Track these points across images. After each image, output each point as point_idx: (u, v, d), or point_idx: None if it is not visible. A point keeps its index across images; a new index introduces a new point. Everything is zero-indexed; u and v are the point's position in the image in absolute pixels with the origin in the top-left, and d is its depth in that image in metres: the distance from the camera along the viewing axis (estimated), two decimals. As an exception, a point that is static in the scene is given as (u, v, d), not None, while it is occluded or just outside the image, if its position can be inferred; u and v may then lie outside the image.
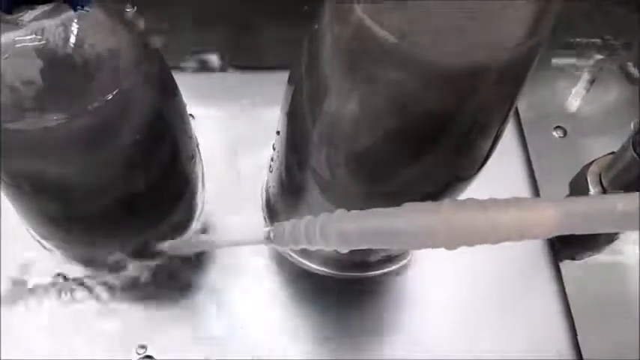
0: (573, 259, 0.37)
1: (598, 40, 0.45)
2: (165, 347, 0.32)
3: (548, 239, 0.37)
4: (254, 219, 0.35)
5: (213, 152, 0.36)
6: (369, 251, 0.31)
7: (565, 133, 0.42)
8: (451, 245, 0.17)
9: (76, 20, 0.19)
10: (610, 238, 0.37)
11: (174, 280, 0.34)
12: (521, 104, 0.41)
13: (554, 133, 0.42)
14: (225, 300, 0.34)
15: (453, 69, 0.17)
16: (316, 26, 0.19)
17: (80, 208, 0.25)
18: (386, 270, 0.32)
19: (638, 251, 0.38)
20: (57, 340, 0.32)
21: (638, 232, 0.38)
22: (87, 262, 0.33)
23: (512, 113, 0.21)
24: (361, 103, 0.19)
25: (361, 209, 0.22)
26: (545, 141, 0.40)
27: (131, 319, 0.33)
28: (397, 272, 0.35)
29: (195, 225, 0.34)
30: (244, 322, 0.33)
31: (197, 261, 0.34)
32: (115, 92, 0.20)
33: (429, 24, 0.16)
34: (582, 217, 0.16)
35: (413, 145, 0.20)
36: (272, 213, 0.34)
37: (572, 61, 0.45)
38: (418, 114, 0.19)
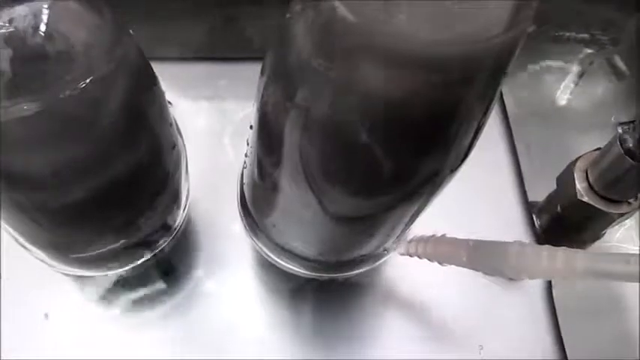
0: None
1: (586, 35, 0.45)
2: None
3: (534, 236, 0.37)
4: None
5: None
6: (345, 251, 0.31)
7: (552, 128, 0.41)
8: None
9: (46, 7, 0.19)
10: (595, 235, 0.37)
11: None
12: (509, 99, 0.40)
13: (542, 128, 0.41)
14: (210, 302, 0.34)
15: (432, 59, 0.17)
16: (288, 15, 0.18)
17: (53, 201, 0.24)
18: (364, 269, 0.32)
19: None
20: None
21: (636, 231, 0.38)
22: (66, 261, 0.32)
23: (493, 105, 0.21)
24: (335, 95, 0.18)
25: (335, 208, 0.22)
26: (532, 136, 0.40)
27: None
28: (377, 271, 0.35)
29: (182, 216, 0.34)
30: (228, 324, 0.33)
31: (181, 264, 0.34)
32: (88, 80, 0.20)
33: (407, 12, 0.16)
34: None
35: (390, 137, 0.19)
36: (245, 210, 0.33)
37: (560, 55, 0.45)
38: (395, 105, 0.18)
